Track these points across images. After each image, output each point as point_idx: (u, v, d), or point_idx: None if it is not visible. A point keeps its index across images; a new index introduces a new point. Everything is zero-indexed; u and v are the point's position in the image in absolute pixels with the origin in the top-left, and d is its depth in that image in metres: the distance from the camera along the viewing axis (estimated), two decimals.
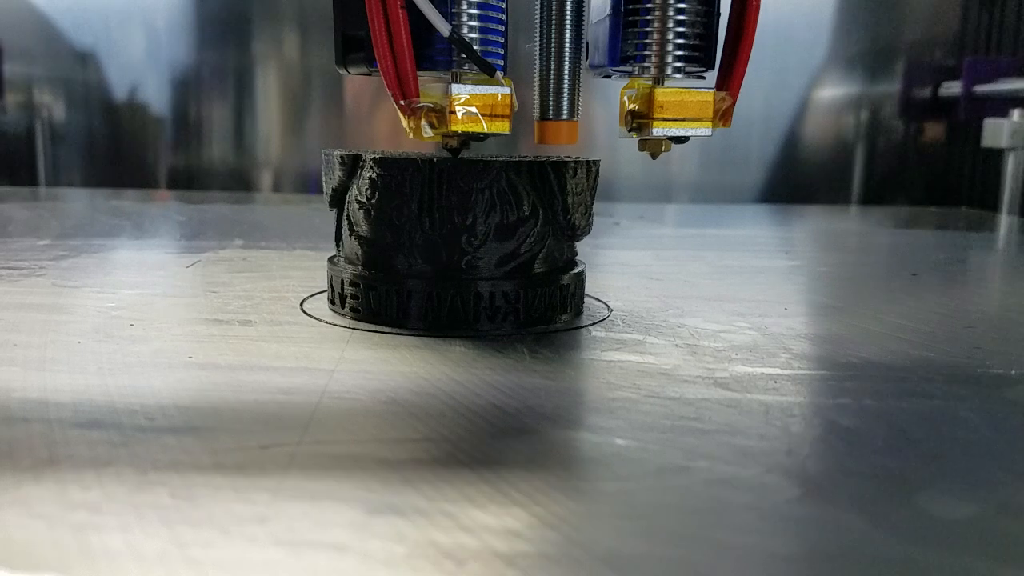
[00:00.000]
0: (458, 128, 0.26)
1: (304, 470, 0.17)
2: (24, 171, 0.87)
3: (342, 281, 0.30)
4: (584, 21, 0.29)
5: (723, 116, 0.28)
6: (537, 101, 0.29)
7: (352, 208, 0.30)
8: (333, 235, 0.32)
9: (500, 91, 0.26)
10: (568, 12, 0.28)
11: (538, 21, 0.28)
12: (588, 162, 0.31)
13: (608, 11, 0.27)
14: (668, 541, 0.15)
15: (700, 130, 0.27)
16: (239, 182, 0.87)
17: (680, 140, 0.28)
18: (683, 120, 0.27)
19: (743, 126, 0.84)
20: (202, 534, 0.14)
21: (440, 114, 0.26)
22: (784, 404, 0.22)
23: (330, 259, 0.31)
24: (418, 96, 0.25)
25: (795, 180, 0.87)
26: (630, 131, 0.29)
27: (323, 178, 0.31)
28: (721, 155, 0.85)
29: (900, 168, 0.88)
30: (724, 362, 0.25)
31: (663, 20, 0.26)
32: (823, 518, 0.16)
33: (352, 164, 0.30)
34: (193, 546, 0.14)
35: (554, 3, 0.28)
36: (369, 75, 0.27)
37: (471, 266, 0.29)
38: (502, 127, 0.26)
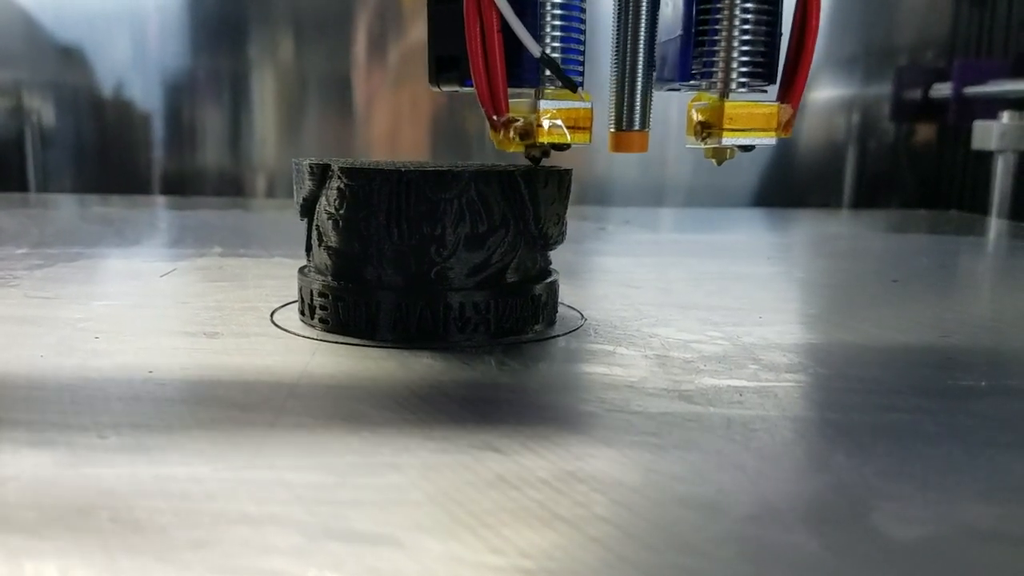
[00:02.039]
0: (545, 139, 0.28)
1: (250, 492, 0.17)
2: (13, 177, 0.87)
3: (311, 292, 0.30)
4: (656, 39, 0.31)
5: (785, 126, 0.29)
6: (612, 113, 0.31)
7: (321, 218, 0.30)
8: None
9: (582, 105, 0.28)
10: (643, 31, 0.30)
11: (615, 39, 0.30)
12: (560, 171, 0.30)
13: (679, 31, 0.29)
14: (616, 565, 0.14)
15: (765, 139, 0.29)
16: (233, 187, 0.86)
17: (747, 148, 0.29)
18: (750, 130, 0.29)
19: None
20: (138, 561, 0.14)
21: (528, 127, 0.28)
22: (747, 418, 0.21)
23: (300, 269, 0.31)
24: (508, 111, 0.27)
25: (787, 183, 0.87)
26: (700, 140, 0.30)
27: (294, 188, 0.31)
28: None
29: (891, 171, 0.88)
30: (691, 374, 0.25)
31: (729, 40, 0.28)
32: (774, 539, 0.15)
33: (321, 174, 0.29)
34: (128, 573, 0.14)
35: (630, 23, 0.30)
36: (459, 91, 0.29)
37: (441, 277, 0.28)
38: (583, 138, 0.28)
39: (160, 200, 0.82)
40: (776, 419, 0.22)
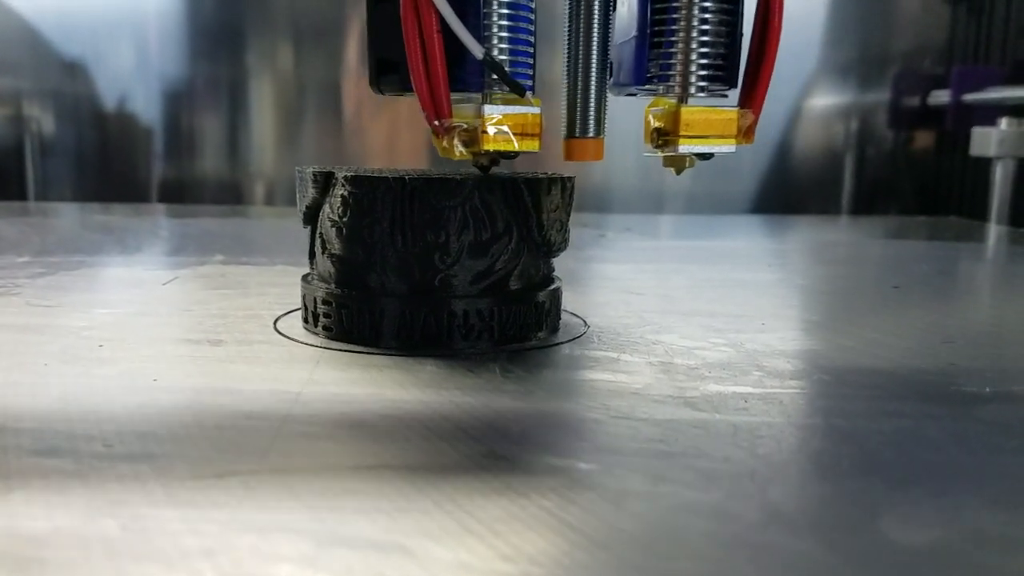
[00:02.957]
0: (490, 147, 0.26)
1: (258, 500, 0.17)
2: (13, 185, 0.87)
3: (315, 299, 0.30)
4: (610, 42, 0.29)
5: (746, 133, 0.28)
6: (564, 120, 0.30)
7: (325, 226, 0.30)
8: None
9: (530, 111, 0.27)
10: (595, 34, 0.28)
11: (566, 42, 0.29)
12: (562, 179, 0.30)
13: (634, 32, 0.28)
14: (626, 572, 0.14)
15: (724, 147, 0.28)
16: (232, 195, 0.86)
17: (705, 157, 0.29)
18: (708, 137, 0.28)
19: None
20: (147, 570, 0.14)
21: (472, 133, 0.26)
22: (752, 425, 0.21)
23: (304, 277, 0.31)
24: (451, 117, 0.26)
25: (786, 190, 0.87)
26: (656, 148, 0.29)
27: (297, 195, 0.31)
28: (713, 165, 0.85)
29: (890, 177, 0.88)
30: (696, 380, 0.25)
31: (687, 41, 0.27)
32: (782, 546, 0.15)
33: (325, 182, 0.30)
34: None
35: (582, 25, 0.28)
36: (402, 96, 0.28)
37: (445, 284, 0.28)
38: (532, 145, 0.27)
39: (159, 208, 0.82)
40: (782, 426, 0.22)
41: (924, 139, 0.87)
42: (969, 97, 0.78)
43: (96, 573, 0.14)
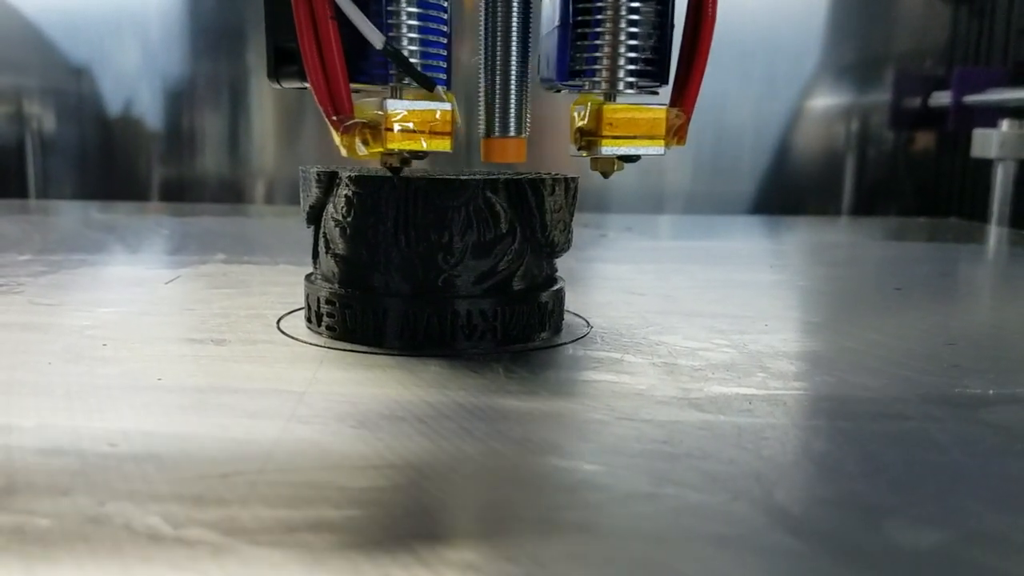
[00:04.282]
0: (395, 146, 0.25)
1: (263, 500, 0.17)
2: (14, 183, 0.87)
3: (318, 299, 0.30)
4: (533, 33, 0.28)
5: (677, 133, 0.27)
6: (482, 118, 0.28)
7: (328, 226, 0.30)
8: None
9: (440, 107, 0.25)
10: (514, 23, 0.27)
11: (482, 33, 0.27)
12: (566, 179, 0.30)
13: (556, 22, 0.26)
14: (631, 574, 0.14)
15: (652, 148, 0.26)
16: (232, 194, 0.86)
17: (631, 159, 0.27)
18: (634, 138, 0.26)
19: (734, 137, 0.85)
20: (153, 570, 0.14)
21: (375, 131, 0.24)
22: (757, 426, 0.22)
23: (307, 277, 0.31)
24: (351, 112, 0.24)
25: (786, 191, 0.87)
26: (580, 149, 0.28)
27: (301, 195, 0.31)
28: (713, 166, 0.85)
29: (890, 178, 0.88)
30: (700, 382, 0.25)
31: (614, 33, 0.25)
32: (788, 548, 0.15)
33: (329, 181, 0.30)
34: None
35: (499, 14, 0.27)
36: (304, 89, 0.26)
37: (448, 284, 0.28)
38: (442, 145, 0.25)
39: (160, 207, 0.82)
40: (786, 427, 0.22)
41: (925, 140, 0.87)
42: (970, 98, 0.78)
43: (102, 572, 0.14)
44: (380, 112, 0.24)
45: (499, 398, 0.24)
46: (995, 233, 0.72)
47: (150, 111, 0.85)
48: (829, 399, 0.24)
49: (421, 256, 0.28)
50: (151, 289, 0.38)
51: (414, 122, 0.24)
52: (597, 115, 0.26)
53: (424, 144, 0.25)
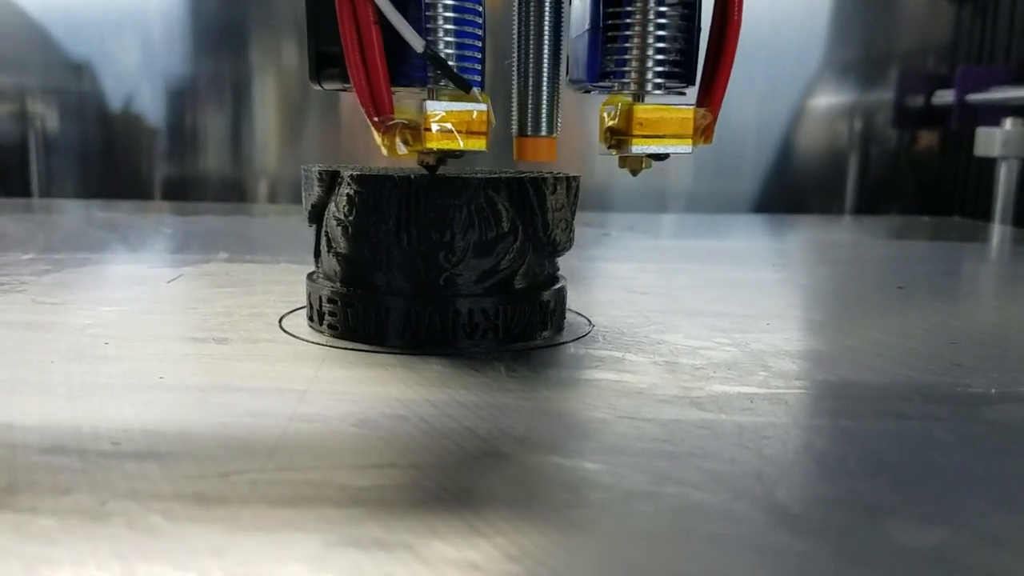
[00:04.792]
0: (433, 145, 0.25)
1: (265, 499, 0.17)
2: (17, 182, 0.87)
3: (320, 298, 0.30)
4: (564, 35, 0.28)
5: (704, 133, 0.27)
6: (515, 117, 0.29)
7: (330, 225, 0.30)
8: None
9: (476, 108, 0.26)
10: (546, 26, 0.28)
11: (515, 35, 0.28)
12: (568, 178, 0.30)
13: (587, 26, 0.27)
14: (632, 573, 0.14)
15: (680, 147, 0.27)
16: (235, 192, 0.86)
17: (660, 157, 0.28)
18: (663, 137, 0.27)
19: (737, 136, 0.84)
20: (154, 568, 0.14)
21: (415, 131, 0.25)
22: (758, 425, 0.21)
23: (309, 275, 0.31)
24: (392, 113, 0.25)
25: (789, 189, 0.87)
26: (609, 148, 0.28)
27: (303, 194, 0.31)
28: (716, 164, 0.85)
29: (893, 177, 0.88)
30: (701, 381, 0.25)
31: (643, 36, 0.26)
32: (789, 547, 0.15)
33: (331, 180, 0.30)
34: None
35: (532, 18, 0.28)
36: (345, 91, 0.27)
37: (450, 283, 0.28)
38: (478, 144, 0.26)
39: (163, 205, 0.82)
40: (788, 426, 0.22)
41: (928, 139, 0.87)
42: (973, 97, 0.78)
43: (104, 572, 0.14)
44: (419, 113, 0.25)
45: (501, 397, 0.24)
46: (998, 232, 0.72)
47: (153, 110, 0.85)
48: (831, 398, 0.24)
49: (423, 255, 0.28)
50: (153, 288, 0.38)
51: (452, 122, 0.25)
52: (628, 115, 0.27)
53: (461, 143, 0.26)
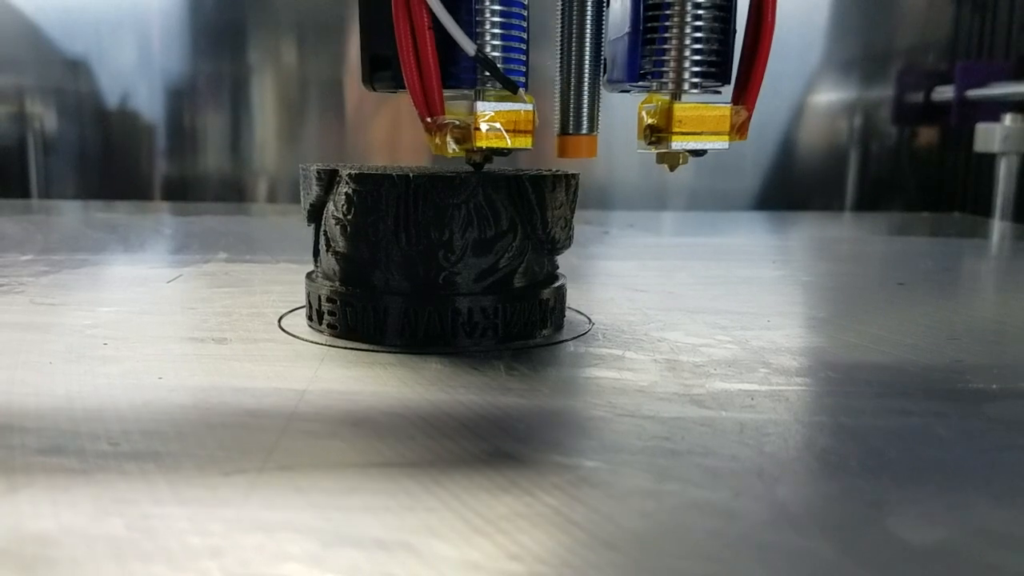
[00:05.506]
0: (483, 144, 0.27)
1: (263, 499, 0.17)
2: (16, 183, 0.87)
3: (319, 297, 0.30)
4: (603, 38, 0.29)
5: (739, 129, 0.28)
6: (558, 116, 0.30)
7: (329, 224, 0.29)
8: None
9: (523, 107, 0.27)
10: (588, 30, 0.29)
11: (559, 38, 0.29)
12: (566, 176, 0.30)
13: (627, 29, 0.28)
14: (632, 571, 0.14)
15: (717, 143, 0.28)
16: (234, 192, 0.86)
17: (698, 153, 0.28)
18: (701, 134, 0.28)
19: None
20: (153, 568, 0.14)
21: (465, 130, 0.27)
22: (759, 422, 0.21)
23: (308, 275, 0.31)
24: (443, 114, 0.26)
25: (789, 186, 0.87)
26: (649, 145, 0.29)
27: (301, 193, 0.31)
28: (716, 161, 0.85)
29: (894, 173, 0.88)
30: (702, 378, 0.25)
31: (681, 38, 0.27)
32: (790, 545, 0.15)
33: (329, 179, 0.29)
34: None
35: (575, 22, 0.29)
36: (395, 93, 0.28)
37: (449, 282, 0.28)
38: (525, 142, 0.27)
39: (162, 206, 0.82)
40: (788, 423, 0.21)
41: (928, 135, 0.87)
42: (973, 93, 0.78)
43: (102, 572, 0.14)
44: (469, 113, 0.26)
45: (500, 395, 0.23)
46: (998, 228, 0.72)
47: (152, 110, 0.85)
48: (832, 395, 0.24)
49: (422, 254, 0.28)
50: (153, 288, 0.38)
51: (500, 122, 0.27)
52: (667, 113, 0.28)
53: (509, 141, 0.27)
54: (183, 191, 0.86)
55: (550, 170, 0.32)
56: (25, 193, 0.87)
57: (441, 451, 0.19)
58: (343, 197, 0.29)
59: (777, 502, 0.17)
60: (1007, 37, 0.80)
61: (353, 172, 0.28)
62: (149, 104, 0.85)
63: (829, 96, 0.86)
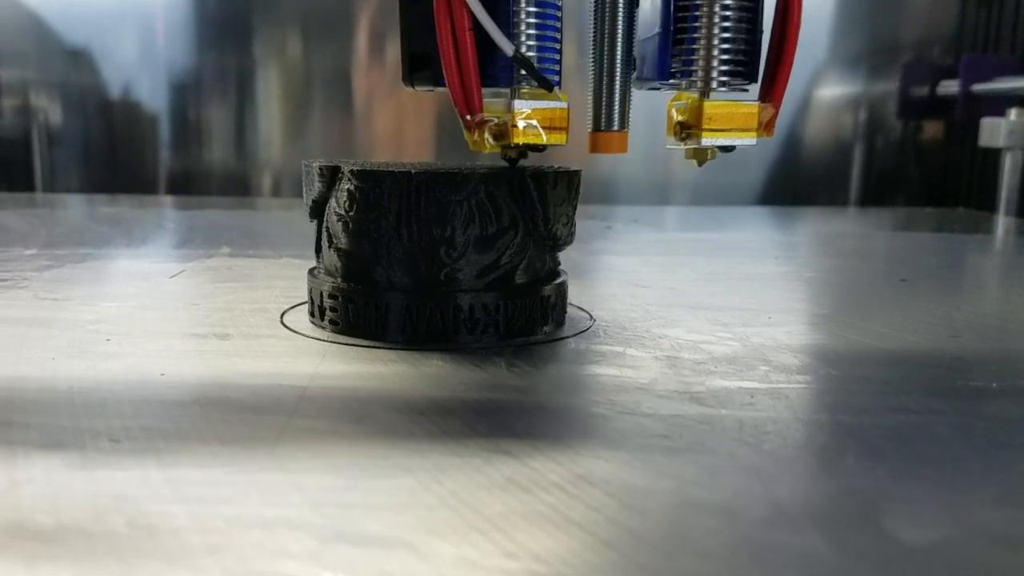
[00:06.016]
0: (520, 140, 0.27)
1: (263, 496, 0.17)
2: (20, 177, 0.87)
3: (321, 293, 0.30)
4: (634, 37, 0.30)
5: (767, 126, 0.29)
6: (590, 113, 0.30)
7: (331, 220, 0.30)
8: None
9: (558, 105, 0.28)
10: (620, 30, 0.30)
11: (592, 38, 0.30)
12: (569, 172, 0.30)
13: (657, 29, 0.29)
14: (630, 570, 0.14)
15: (745, 140, 0.29)
16: (239, 186, 0.86)
17: (727, 149, 0.29)
18: (730, 130, 0.28)
19: None
20: (152, 566, 0.14)
21: (502, 127, 0.27)
22: (758, 420, 0.21)
23: (310, 271, 0.31)
24: (482, 112, 0.27)
25: (794, 181, 0.87)
26: (679, 141, 0.30)
27: (303, 189, 0.31)
28: (720, 157, 0.85)
29: (898, 168, 0.87)
30: (702, 375, 0.25)
31: (709, 38, 0.28)
32: (787, 545, 0.15)
33: (331, 176, 0.30)
34: None
35: (607, 22, 0.29)
36: (433, 91, 0.29)
37: (450, 278, 0.28)
38: (560, 138, 0.28)
39: (167, 200, 0.82)
40: (788, 421, 0.21)
41: (933, 130, 0.87)
42: (978, 87, 0.78)
43: (101, 569, 0.14)
44: (506, 111, 0.27)
45: (501, 393, 0.24)
46: (1003, 223, 0.71)
47: (156, 104, 0.85)
48: (832, 392, 0.24)
49: (423, 250, 0.28)
50: (156, 283, 0.38)
51: (537, 119, 0.27)
52: (697, 110, 0.28)
53: (544, 137, 0.27)
54: (187, 185, 0.86)
55: (551, 166, 0.32)
56: (30, 186, 0.87)
57: (441, 448, 0.20)
58: (345, 193, 0.29)
59: (775, 501, 0.17)
60: (1013, 31, 0.79)
61: (355, 168, 0.28)
62: (153, 97, 0.85)
63: (833, 90, 0.86)
